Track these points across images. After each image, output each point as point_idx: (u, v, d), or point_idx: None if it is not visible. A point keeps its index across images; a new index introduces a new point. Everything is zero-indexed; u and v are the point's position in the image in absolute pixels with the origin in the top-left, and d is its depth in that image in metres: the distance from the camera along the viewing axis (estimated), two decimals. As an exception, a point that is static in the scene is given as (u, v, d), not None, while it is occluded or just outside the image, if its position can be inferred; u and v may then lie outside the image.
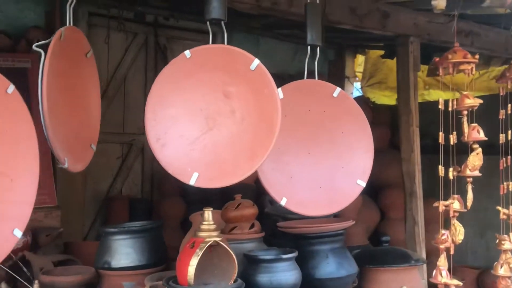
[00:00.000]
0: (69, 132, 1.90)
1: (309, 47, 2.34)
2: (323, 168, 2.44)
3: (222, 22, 1.98)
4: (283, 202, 2.32)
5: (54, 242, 3.61)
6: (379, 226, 4.93)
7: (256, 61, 1.94)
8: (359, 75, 5.98)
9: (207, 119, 1.95)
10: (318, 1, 2.41)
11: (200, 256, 2.18)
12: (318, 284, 2.62)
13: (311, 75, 2.50)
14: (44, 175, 3.67)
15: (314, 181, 2.40)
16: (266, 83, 1.94)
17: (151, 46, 4.95)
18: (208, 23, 2.00)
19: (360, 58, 5.98)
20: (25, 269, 3.08)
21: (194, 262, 2.19)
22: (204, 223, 2.27)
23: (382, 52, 5.49)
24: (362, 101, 5.42)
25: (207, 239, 2.22)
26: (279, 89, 2.04)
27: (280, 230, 2.85)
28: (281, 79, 5.73)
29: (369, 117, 5.35)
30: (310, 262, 2.65)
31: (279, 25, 5.01)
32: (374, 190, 4.99)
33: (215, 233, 2.26)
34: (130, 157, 4.71)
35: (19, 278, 2.76)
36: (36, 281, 2.61)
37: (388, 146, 5.24)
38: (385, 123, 5.27)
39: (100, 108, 2.22)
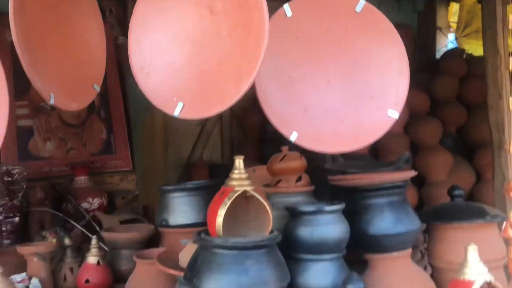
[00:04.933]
0: (61, 69, 1.73)
1: None
2: (346, 98, 1.92)
3: None
4: (293, 137, 1.94)
5: (130, 205, 3.62)
6: (474, 189, 4.30)
7: (241, -32, 1.56)
8: (454, 25, 5.23)
9: (194, 42, 1.62)
10: None
11: (228, 205, 1.92)
12: (372, 241, 2.22)
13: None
14: (119, 141, 3.69)
15: (334, 114, 1.93)
16: (251, -10, 1.52)
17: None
18: None
19: (455, 6, 5.21)
20: (97, 228, 3.14)
21: (222, 212, 1.94)
22: (235, 171, 2.02)
23: (478, -4, 4.71)
24: (456, 53, 4.78)
25: (237, 188, 1.96)
26: (287, 4, 1.67)
27: (335, 185, 2.49)
28: None
29: (464, 70, 4.76)
30: (364, 217, 2.23)
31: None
32: (468, 150, 4.37)
33: (246, 182, 1.99)
34: (209, 123, 4.57)
35: (90, 235, 2.78)
36: (94, 236, 2.61)
37: (485, 101, 4.57)
38: (482, 76, 4.59)
39: (105, 49, 2.03)
